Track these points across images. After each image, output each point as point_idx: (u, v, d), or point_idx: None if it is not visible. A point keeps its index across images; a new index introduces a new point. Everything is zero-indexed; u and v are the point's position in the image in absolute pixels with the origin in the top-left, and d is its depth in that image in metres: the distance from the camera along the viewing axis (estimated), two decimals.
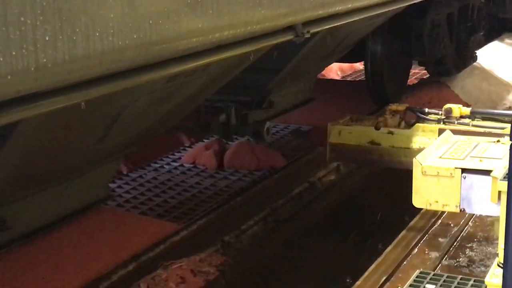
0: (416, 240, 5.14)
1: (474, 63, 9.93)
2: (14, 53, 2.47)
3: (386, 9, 6.17)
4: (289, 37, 4.61)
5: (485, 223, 5.57)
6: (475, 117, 5.65)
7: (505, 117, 5.60)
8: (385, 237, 5.57)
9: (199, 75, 4.61)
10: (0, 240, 4.68)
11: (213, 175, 7.29)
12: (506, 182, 2.76)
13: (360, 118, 6.23)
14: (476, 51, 10.02)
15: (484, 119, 5.69)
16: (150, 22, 3.27)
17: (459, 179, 4.00)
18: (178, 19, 3.47)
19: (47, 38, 2.63)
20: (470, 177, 3.96)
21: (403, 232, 5.26)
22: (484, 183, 3.91)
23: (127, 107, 4.40)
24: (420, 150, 5.44)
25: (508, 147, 4.28)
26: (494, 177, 3.69)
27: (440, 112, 5.72)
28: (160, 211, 6.39)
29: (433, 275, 4.10)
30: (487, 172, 3.87)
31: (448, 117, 5.61)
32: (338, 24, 5.26)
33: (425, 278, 3.98)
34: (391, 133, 5.73)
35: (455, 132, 5.02)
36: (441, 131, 5.42)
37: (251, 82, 6.51)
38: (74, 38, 2.77)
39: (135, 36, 3.16)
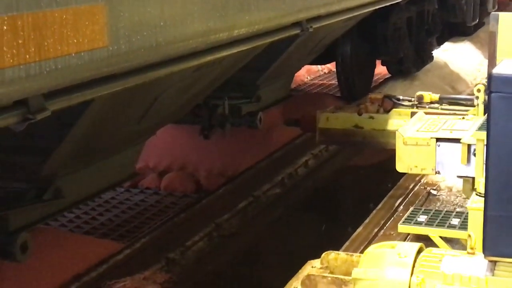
0: (360, 250, 4.98)
1: (416, 74, 10.07)
2: (145, 33, 3.07)
3: (368, 9, 6.69)
4: (296, 31, 4.98)
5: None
6: (443, 102, 5.96)
7: (468, 101, 5.83)
8: (329, 248, 5.48)
9: (216, 66, 4.90)
10: (54, 208, 4.95)
11: (157, 192, 7.08)
12: (483, 131, 3.12)
13: (343, 107, 6.61)
14: (432, 52, 10.43)
15: (450, 103, 5.98)
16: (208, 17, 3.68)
17: (434, 147, 4.30)
18: (209, 18, 3.74)
19: (161, 24, 3.20)
20: (443, 145, 4.28)
21: (347, 243, 5.20)
22: (455, 149, 4.22)
23: (163, 92, 4.75)
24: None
25: (471, 122, 4.66)
26: (463, 143, 4.13)
27: (412, 99, 6.07)
28: (104, 230, 6.19)
29: (424, 209, 4.48)
30: (457, 140, 4.24)
31: (420, 103, 5.97)
32: (333, 21, 5.56)
33: (418, 212, 4.35)
34: (372, 117, 6.11)
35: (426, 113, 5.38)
36: (413, 114, 5.65)
37: (241, 79, 6.77)
38: (174, 24, 3.32)
39: (204, 27, 3.63)
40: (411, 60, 9.70)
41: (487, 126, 2.58)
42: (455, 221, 4.15)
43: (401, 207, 5.71)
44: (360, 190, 6.71)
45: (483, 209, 2.63)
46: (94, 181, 5.25)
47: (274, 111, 8.04)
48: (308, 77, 11.03)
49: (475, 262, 2.81)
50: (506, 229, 2.58)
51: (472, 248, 2.98)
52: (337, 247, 4.99)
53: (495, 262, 2.75)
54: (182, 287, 5.24)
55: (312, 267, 3.82)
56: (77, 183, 5.06)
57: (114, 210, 6.47)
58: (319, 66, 10.96)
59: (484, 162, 2.67)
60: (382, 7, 7.34)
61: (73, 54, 2.67)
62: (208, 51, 3.89)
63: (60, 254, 5.09)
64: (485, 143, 2.66)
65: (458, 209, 4.68)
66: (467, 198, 4.26)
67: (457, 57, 11.25)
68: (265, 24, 4.37)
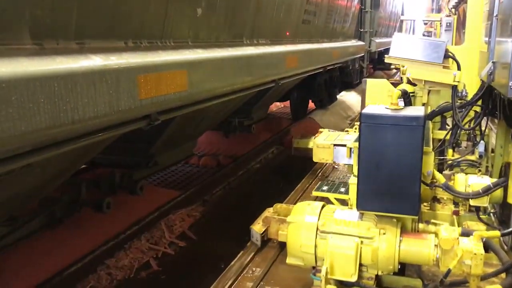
0: (295, 201, 4.43)
1: (328, 107, 9.65)
2: (204, 84, 2.98)
3: (305, 75, 6.32)
4: (273, 84, 4.64)
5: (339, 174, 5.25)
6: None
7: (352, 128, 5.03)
8: (285, 194, 4.80)
9: (233, 101, 4.53)
10: (153, 170, 4.97)
11: (198, 166, 6.49)
12: (356, 142, 2.61)
13: (305, 136, 6.03)
14: (336, 96, 10.38)
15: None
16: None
17: (332, 149, 3.97)
18: (233, 77, 3.54)
19: (211, 79, 3.14)
20: (337, 148, 3.93)
21: (288, 197, 4.63)
22: (343, 150, 3.87)
23: (207, 114, 4.67)
24: None
25: (352, 135, 4.29)
26: (347, 147, 3.72)
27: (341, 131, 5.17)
28: (172, 184, 5.69)
29: (326, 183, 4.09)
30: (344, 145, 3.87)
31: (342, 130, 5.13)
32: (290, 80, 5.28)
33: (323, 184, 4.06)
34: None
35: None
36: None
37: (244, 108, 6.33)
38: (217, 80, 3.30)
39: (230, 82, 3.50)
40: (326, 100, 9.60)
41: (359, 140, 2.36)
42: (343, 189, 3.92)
43: (318, 178, 5.31)
44: (299, 167, 6.22)
45: (356, 184, 2.40)
46: (173, 157, 5.20)
47: (259, 124, 7.95)
48: (275, 108, 10.87)
49: (352, 213, 2.57)
50: (368, 196, 2.36)
51: (350, 205, 2.81)
52: (286, 195, 4.79)
53: (362, 213, 2.53)
54: (211, 215, 5.08)
55: (268, 212, 3.58)
56: (165, 158, 5.02)
57: (177, 175, 6.20)
58: (278, 103, 10.66)
59: (357, 159, 2.41)
60: (312, 74, 7.17)
61: (172, 93, 2.64)
62: (231, 94, 3.70)
63: (149, 196, 4.89)
64: (358, 149, 2.39)
65: (344, 181, 4.19)
66: (349, 173, 3.85)
67: (348, 98, 11.14)
68: (258, 80, 4.20)
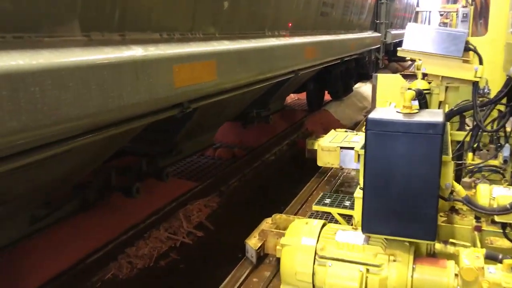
0: (297, 210, 4.12)
1: (343, 98, 9.60)
2: (230, 74, 3.05)
3: (321, 67, 6.31)
4: (292, 74, 4.67)
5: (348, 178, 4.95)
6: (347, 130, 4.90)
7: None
8: (299, 185, 4.80)
9: (252, 92, 4.49)
10: (178, 158, 4.99)
11: (213, 158, 6.54)
12: (363, 149, 2.21)
13: (318, 136, 5.58)
14: (352, 87, 10.40)
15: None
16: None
17: (339, 152, 3.66)
18: (254, 69, 3.62)
19: (237, 70, 3.23)
20: (344, 151, 3.64)
21: (291, 203, 4.29)
22: (351, 153, 3.58)
23: (228, 105, 4.78)
24: None
25: (362, 136, 3.90)
26: (355, 150, 3.27)
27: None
28: (189, 176, 5.77)
29: (329, 195, 3.73)
30: (352, 148, 3.57)
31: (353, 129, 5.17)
32: (307, 71, 5.28)
33: (325, 196, 3.67)
34: None
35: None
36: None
37: (261, 100, 6.43)
38: (242, 70, 3.39)
39: (252, 73, 3.52)
40: (342, 91, 9.57)
41: (364, 150, 2.03)
42: (347, 203, 3.52)
43: (323, 181, 5.00)
44: (312, 158, 6.17)
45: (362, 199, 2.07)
46: (195, 146, 5.27)
47: (276, 115, 7.96)
48: (289, 100, 10.80)
49: (357, 235, 2.22)
50: (375, 216, 2.03)
51: (355, 225, 2.46)
52: (301, 187, 4.68)
53: (369, 236, 2.18)
54: (227, 205, 5.10)
55: (266, 223, 3.29)
56: (188, 147, 5.10)
57: (193, 166, 6.19)
58: (292, 95, 10.60)
59: (363, 171, 2.10)
60: (329, 65, 7.12)
61: (203, 82, 2.75)
62: (255, 83, 3.76)
63: (169, 188, 4.92)
64: (363, 160, 2.07)
65: (350, 191, 3.90)
66: (357, 178, 3.50)
67: (364, 89, 11.08)
68: (279, 71, 4.25)
